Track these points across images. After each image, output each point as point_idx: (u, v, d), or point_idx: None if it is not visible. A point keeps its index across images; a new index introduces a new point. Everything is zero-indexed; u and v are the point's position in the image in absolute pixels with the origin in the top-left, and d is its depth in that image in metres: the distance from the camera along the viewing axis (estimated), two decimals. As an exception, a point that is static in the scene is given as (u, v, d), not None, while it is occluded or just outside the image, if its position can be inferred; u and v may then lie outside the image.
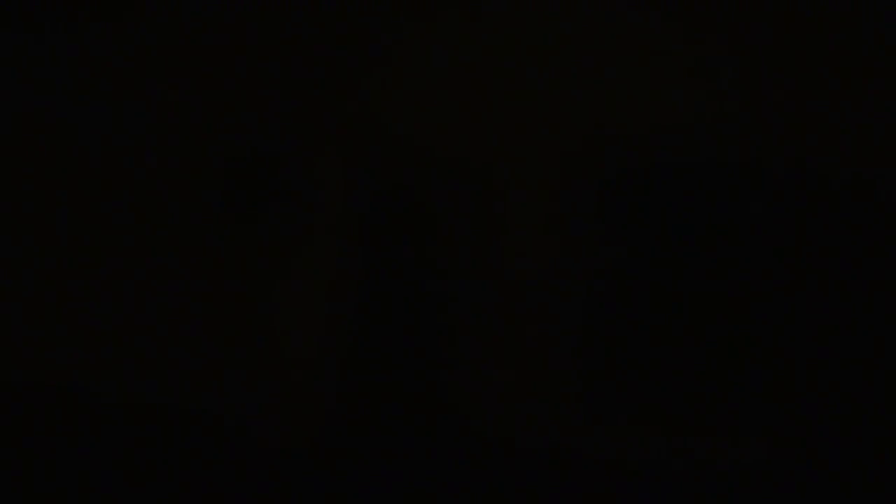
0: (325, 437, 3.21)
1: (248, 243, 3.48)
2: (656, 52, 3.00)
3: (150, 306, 3.64)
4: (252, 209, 3.47)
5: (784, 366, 2.67)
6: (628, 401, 2.87)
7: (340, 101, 3.46)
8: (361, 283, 3.32)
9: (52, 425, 3.44)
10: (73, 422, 3.51)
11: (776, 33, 2.85)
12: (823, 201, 2.67)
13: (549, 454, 2.93)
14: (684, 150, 2.90)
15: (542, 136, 3.14)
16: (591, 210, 3.02)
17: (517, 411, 3.02)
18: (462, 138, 3.25)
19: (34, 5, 4.03)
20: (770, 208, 2.73)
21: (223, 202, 3.53)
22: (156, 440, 3.26)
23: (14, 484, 2.58)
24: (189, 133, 3.71)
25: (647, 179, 2.94)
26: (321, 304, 3.30)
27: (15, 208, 4.07)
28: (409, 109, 3.35)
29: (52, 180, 4.00)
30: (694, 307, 2.81)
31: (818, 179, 2.69)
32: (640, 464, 2.81)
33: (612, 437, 2.88)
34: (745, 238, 2.76)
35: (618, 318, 2.92)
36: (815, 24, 2.79)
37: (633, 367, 2.87)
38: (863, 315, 2.57)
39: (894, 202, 2.56)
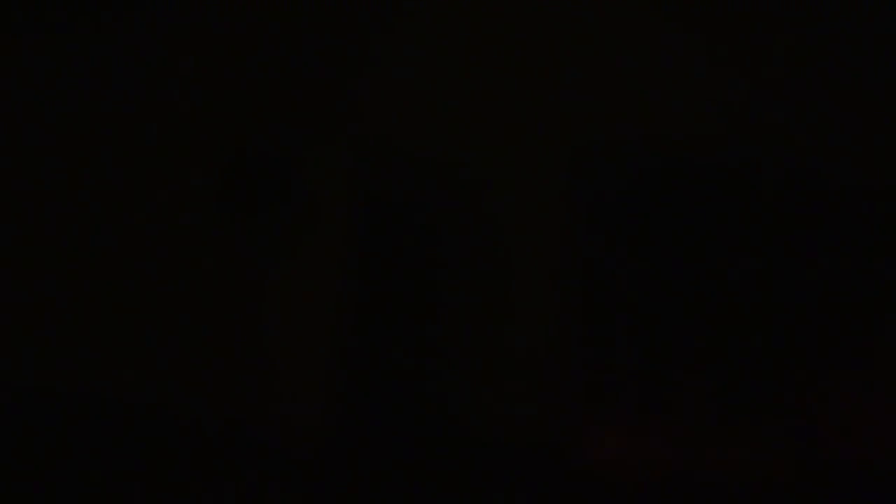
0: (325, 438, 3.22)
1: (247, 244, 3.49)
2: (655, 53, 3.00)
3: (150, 306, 3.65)
4: (252, 210, 3.47)
5: (784, 366, 2.67)
6: (627, 401, 2.87)
7: (341, 102, 3.47)
8: (360, 284, 3.32)
9: (52, 425, 3.44)
10: (72, 422, 3.51)
11: (776, 34, 2.85)
12: (823, 201, 2.67)
13: (548, 454, 2.94)
14: (684, 151, 2.90)
15: (540, 138, 3.14)
16: (588, 212, 3.02)
17: (516, 412, 3.02)
18: (461, 140, 3.25)
19: (34, 5, 4.03)
20: (770, 209, 2.73)
21: (222, 203, 3.53)
22: (156, 440, 3.26)
23: (14, 484, 2.58)
24: (187, 135, 3.72)
25: (647, 180, 2.94)
26: (320, 304, 3.30)
27: (15, 208, 4.07)
28: (409, 110, 3.35)
29: (53, 181, 4.00)
30: (694, 307, 2.81)
31: (818, 179, 2.69)
32: (639, 464, 2.81)
33: (611, 437, 2.88)
34: (745, 238, 2.76)
35: (616, 318, 2.92)
36: (816, 24, 2.79)
37: (633, 367, 2.87)
38: (863, 315, 2.57)
39: (894, 202, 2.57)
